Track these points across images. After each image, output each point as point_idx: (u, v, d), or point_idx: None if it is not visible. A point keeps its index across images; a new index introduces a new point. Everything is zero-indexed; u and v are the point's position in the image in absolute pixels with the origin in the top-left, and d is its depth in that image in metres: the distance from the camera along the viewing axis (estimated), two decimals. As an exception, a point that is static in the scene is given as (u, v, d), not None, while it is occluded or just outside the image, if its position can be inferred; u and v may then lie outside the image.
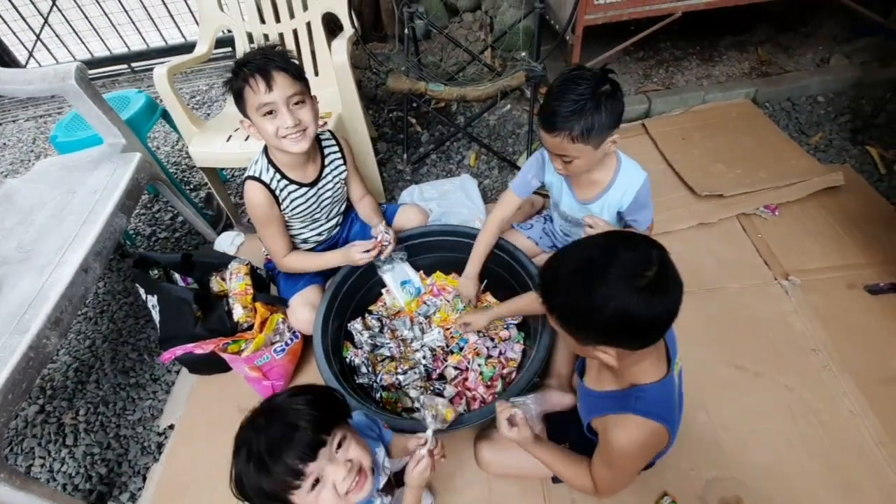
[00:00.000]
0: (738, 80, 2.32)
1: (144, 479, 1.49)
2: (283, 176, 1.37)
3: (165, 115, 2.16)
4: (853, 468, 1.22)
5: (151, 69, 3.29)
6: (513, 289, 1.51)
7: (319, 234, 1.59)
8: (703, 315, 1.53)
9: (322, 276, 1.59)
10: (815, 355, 1.43)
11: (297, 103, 1.24)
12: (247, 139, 1.81)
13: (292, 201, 1.42)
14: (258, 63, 1.19)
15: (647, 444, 0.85)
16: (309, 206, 1.47)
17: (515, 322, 1.55)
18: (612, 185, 1.30)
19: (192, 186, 2.46)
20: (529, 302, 1.32)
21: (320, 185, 1.46)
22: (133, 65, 3.40)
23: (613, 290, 0.69)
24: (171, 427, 1.59)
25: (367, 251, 1.43)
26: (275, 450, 0.74)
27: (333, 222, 1.61)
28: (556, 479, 1.22)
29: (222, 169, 2.45)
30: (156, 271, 1.54)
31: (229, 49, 3.21)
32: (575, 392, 1.31)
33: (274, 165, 1.37)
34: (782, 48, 2.47)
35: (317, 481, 0.76)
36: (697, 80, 2.35)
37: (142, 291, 1.54)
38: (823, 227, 1.74)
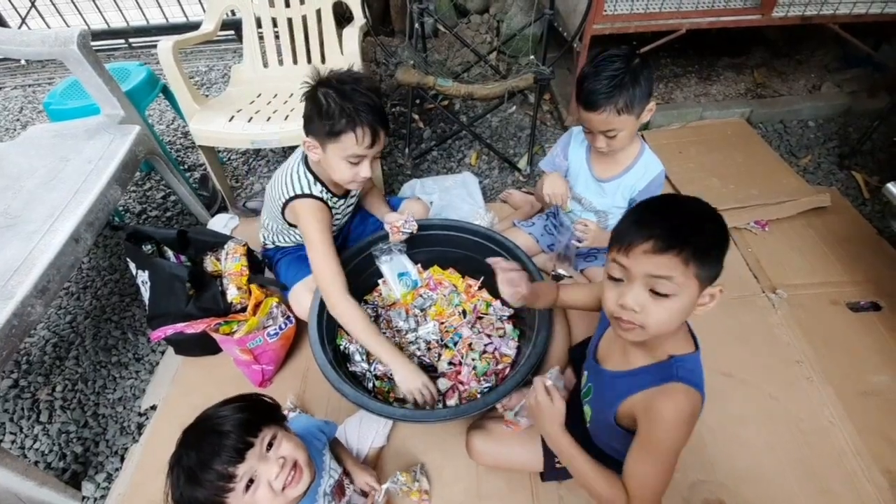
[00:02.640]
0: (734, 99, 2.39)
1: (122, 459, 1.45)
2: (328, 189, 1.37)
3: (165, 92, 2.13)
4: (830, 475, 1.26)
5: (150, 46, 3.29)
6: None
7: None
8: (693, 322, 1.56)
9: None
10: (798, 367, 1.47)
11: (376, 157, 1.28)
12: (249, 120, 1.79)
13: (336, 213, 1.42)
14: (370, 117, 1.17)
15: (693, 415, 0.81)
16: (343, 214, 1.48)
17: (508, 315, 1.56)
18: (631, 168, 1.36)
19: (186, 167, 2.41)
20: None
21: (350, 195, 1.48)
22: (131, 40, 3.34)
23: (714, 212, 0.76)
24: (153, 408, 1.55)
25: (429, 393, 1.26)
26: (203, 460, 0.75)
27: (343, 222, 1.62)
28: (544, 477, 1.23)
29: (220, 151, 2.42)
30: (149, 246, 1.51)
31: (231, 32, 3.19)
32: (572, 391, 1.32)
33: (319, 180, 1.35)
34: (777, 72, 2.56)
35: (251, 482, 0.77)
36: (695, 97, 2.41)
37: (132, 266, 1.50)
38: (810, 244, 1.80)
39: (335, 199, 1.40)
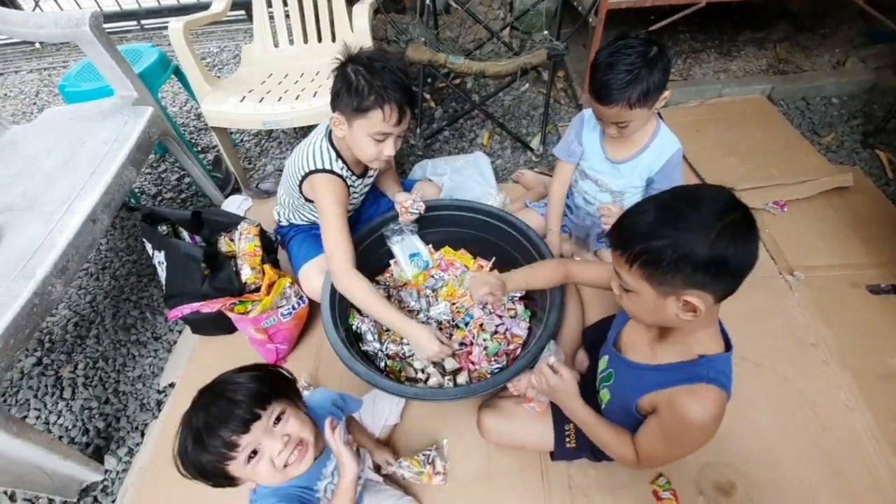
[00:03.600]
0: (755, 75, 2.32)
1: (143, 435, 1.50)
2: (348, 167, 1.37)
3: (177, 74, 2.13)
4: (845, 460, 1.25)
5: (161, 28, 3.28)
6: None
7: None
8: None
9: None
10: (814, 349, 1.45)
11: (400, 136, 1.28)
12: (261, 101, 1.79)
13: (353, 192, 1.42)
14: (398, 95, 1.17)
15: (719, 417, 0.81)
16: (360, 193, 1.48)
17: (520, 295, 1.55)
18: (646, 148, 1.33)
19: (199, 149, 2.43)
20: (549, 273, 1.25)
21: (368, 172, 1.47)
22: (143, 22, 3.33)
23: (708, 223, 0.69)
24: (172, 385, 1.59)
25: (447, 349, 1.25)
26: (211, 425, 0.75)
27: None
28: (554, 456, 1.24)
29: (232, 133, 2.42)
30: (164, 227, 1.53)
31: (242, 12, 3.16)
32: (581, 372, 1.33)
33: (342, 158, 1.35)
34: (800, 47, 2.47)
35: (255, 453, 0.78)
36: (715, 73, 2.34)
37: (149, 247, 1.53)
38: (830, 225, 1.75)
39: (354, 178, 1.40)
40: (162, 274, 1.52)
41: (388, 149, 1.25)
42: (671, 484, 1.22)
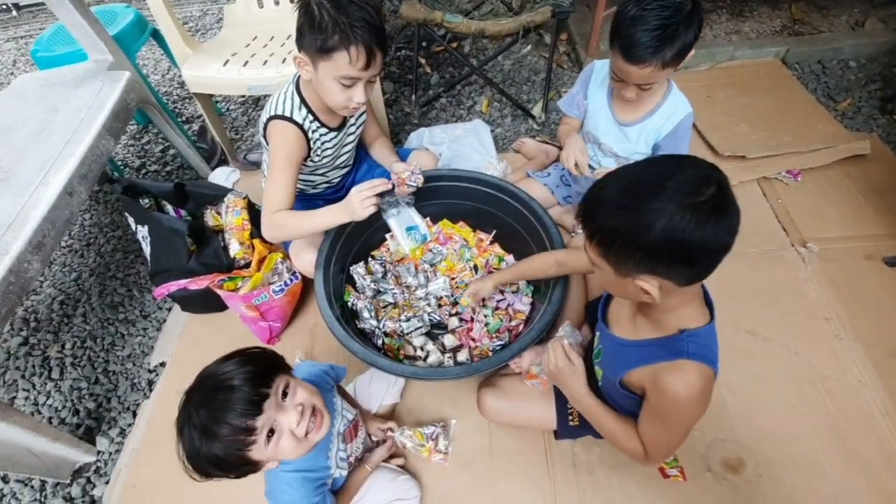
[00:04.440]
0: (769, 37, 2.20)
1: (135, 415, 1.45)
2: (315, 118, 1.26)
3: (156, 37, 2.00)
4: (856, 436, 1.22)
5: (139, -11, 3.08)
6: (524, 240, 1.44)
7: (329, 182, 1.50)
8: (715, 277, 1.45)
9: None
10: (827, 324, 1.40)
11: (371, 81, 1.17)
12: (245, 65, 1.67)
13: (322, 144, 1.32)
14: (367, 35, 1.05)
15: (706, 393, 0.78)
16: (334, 152, 1.38)
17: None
18: (656, 111, 1.25)
19: (184, 118, 2.31)
20: (540, 264, 1.22)
21: (345, 130, 1.37)
22: (119, -17, 3.14)
23: (666, 206, 0.62)
24: (163, 364, 1.54)
25: (369, 195, 1.19)
26: (217, 416, 0.72)
27: (347, 170, 1.53)
28: (557, 435, 1.20)
29: (217, 101, 2.31)
30: (146, 200, 1.45)
31: (225, -28, 2.98)
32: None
33: (307, 106, 1.24)
34: (817, 7, 2.34)
35: (271, 433, 0.76)
36: (726, 35, 2.22)
37: (131, 221, 1.45)
38: (845, 195, 1.68)
39: (323, 131, 1.29)
40: (146, 249, 1.45)
41: (358, 95, 1.14)
42: (678, 461, 1.19)
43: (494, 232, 1.57)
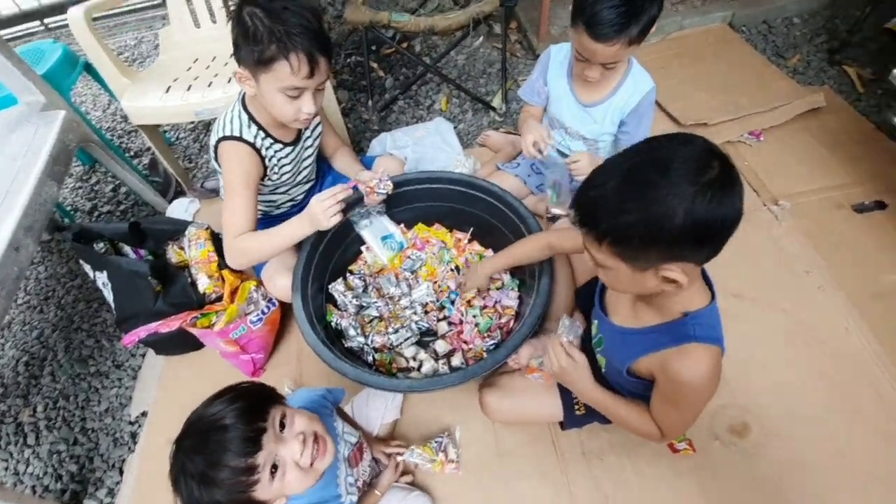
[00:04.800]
0: (714, 3, 2.22)
1: (121, 472, 1.37)
2: (267, 134, 1.20)
3: (89, 71, 1.89)
4: (852, 383, 1.23)
5: (67, 24, 2.93)
6: (502, 234, 1.42)
7: (293, 200, 1.44)
8: None
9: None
10: (808, 277, 1.42)
11: (319, 89, 1.11)
12: (189, 89, 1.59)
13: (279, 161, 1.26)
14: (306, 42, 0.99)
15: (716, 373, 0.77)
16: (293, 168, 1.31)
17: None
18: (619, 88, 1.24)
19: (132, 153, 2.20)
20: (532, 249, 1.20)
21: (301, 143, 1.30)
22: (46, 21, 2.98)
23: (680, 190, 0.59)
24: (144, 414, 1.45)
25: (332, 203, 1.12)
26: (214, 459, 0.68)
27: (310, 185, 1.47)
28: (564, 426, 1.18)
29: (165, 130, 2.20)
30: (101, 245, 1.36)
31: (157, -5, 2.86)
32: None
33: (256, 122, 1.18)
34: (754, -32, 2.37)
35: (275, 468, 0.72)
36: (673, 5, 2.24)
37: (88, 269, 1.36)
38: (808, 149, 1.71)
39: (277, 147, 1.22)
40: (109, 296, 1.36)
41: (307, 106, 1.08)
42: (685, 434, 1.18)
43: (472, 230, 1.54)
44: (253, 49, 1.00)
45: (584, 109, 1.29)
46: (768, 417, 1.20)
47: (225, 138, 1.16)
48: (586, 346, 1.18)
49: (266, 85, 1.05)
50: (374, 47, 2.34)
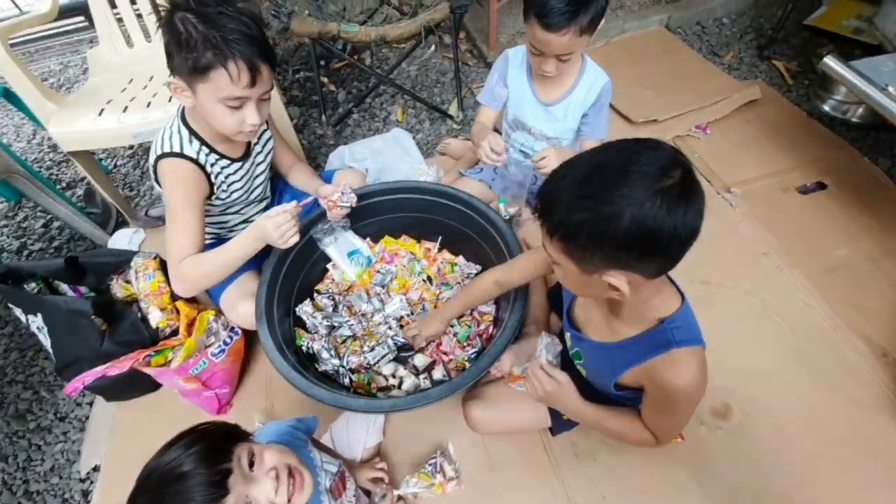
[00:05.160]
0: (650, 7, 2.34)
1: (72, 537, 1.22)
2: (212, 150, 1.11)
3: (8, 97, 1.73)
4: (818, 355, 1.29)
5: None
6: (471, 240, 1.39)
7: (247, 219, 1.36)
8: None
9: (256, 260, 1.37)
10: (766, 258, 1.48)
11: (264, 99, 1.04)
12: (125, 111, 1.48)
13: (227, 178, 1.17)
14: (245, 48, 0.92)
15: (704, 372, 0.76)
16: (244, 185, 1.23)
17: (476, 271, 1.44)
18: (577, 85, 1.26)
19: (64, 185, 2.02)
20: (481, 291, 1.16)
21: (251, 159, 1.23)
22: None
23: (633, 193, 0.57)
24: (96, 469, 1.31)
25: (285, 220, 1.05)
26: None
27: (265, 203, 1.39)
28: (553, 431, 1.15)
29: (100, 158, 2.05)
30: (33, 284, 1.22)
31: (81, 18, 2.69)
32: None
33: (198, 137, 1.09)
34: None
35: None
36: (612, 10, 2.33)
37: (19, 312, 1.21)
38: (750, 139, 1.81)
39: (224, 163, 1.15)
40: (46, 342, 1.22)
41: (251, 116, 1.01)
42: (674, 427, 1.18)
43: (440, 238, 1.50)
44: (186, 57, 0.92)
45: (545, 108, 1.30)
46: (747, 397, 1.23)
47: (164, 156, 1.07)
48: (563, 355, 1.17)
49: (204, 95, 0.97)
50: (322, 62, 2.28)
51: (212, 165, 1.12)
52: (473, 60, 2.29)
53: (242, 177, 1.22)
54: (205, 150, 1.10)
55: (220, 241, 1.33)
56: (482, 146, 1.23)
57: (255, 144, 1.24)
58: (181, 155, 1.07)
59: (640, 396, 0.87)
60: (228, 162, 1.16)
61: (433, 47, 2.29)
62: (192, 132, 1.09)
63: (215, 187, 1.15)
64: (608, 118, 1.33)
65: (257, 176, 1.28)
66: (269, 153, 1.29)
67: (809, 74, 2.03)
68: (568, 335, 0.99)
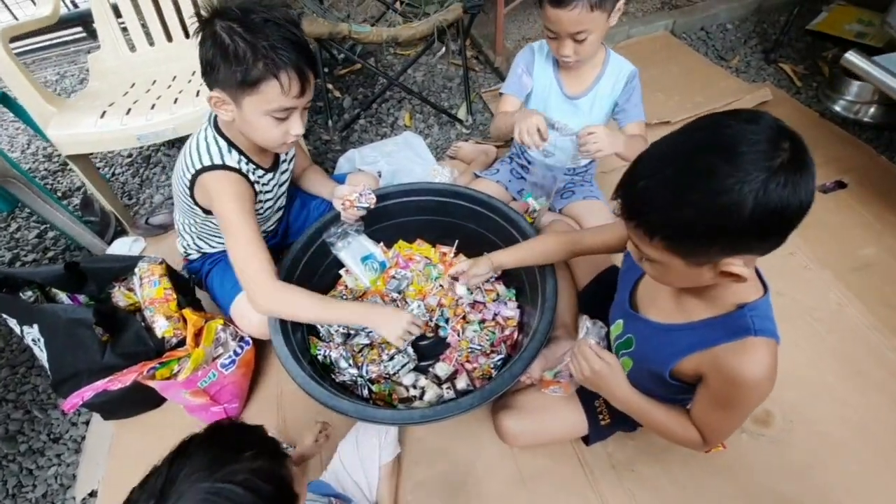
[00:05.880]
0: (655, 13, 2.34)
1: (66, 568, 1.12)
2: (249, 159, 1.07)
3: (6, 103, 1.66)
4: (856, 355, 1.24)
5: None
6: (489, 242, 1.34)
7: (266, 230, 1.31)
8: None
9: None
10: (793, 258, 1.44)
11: (306, 107, 1.02)
12: (128, 113, 1.42)
13: (262, 187, 1.13)
14: (294, 56, 0.89)
15: (775, 370, 0.70)
16: (273, 194, 1.20)
17: (496, 276, 1.38)
18: (602, 76, 1.24)
19: (60, 194, 1.95)
20: (547, 248, 1.10)
21: (280, 167, 1.19)
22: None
23: (751, 176, 0.52)
24: (93, 494, 1.21)
25: (414, 325, 1.07)
26: None
27: (281, 213, 1.35)
28: (589, 440, 1.09)
29: (98, 166, 1.98)
30: (30, 293, 1.14)
31: (79, 29, 2.65)
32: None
33: (236, 148, 1.05)
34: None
35: None
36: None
37: (13, 324, 1.13)
38: (765, 139, 1.79)
39: (261, 173, 1.11)
40: (42, 355, 1.13)
41: (296, 127, 0.98)
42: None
43: (457, 242, 1.45)
44: (235, 70, 0.88)
45: (571, 102, 1.26)
46: (788, 403, 1.17)
47: (206, 169, 1.01)
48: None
49: (251, 108, 0.93)
50: (326, 69, 2.25)
51: (251, 174, 1.08)
52: (480, 66, 2.27)
53: (273, 186, 1.18)
54: (243, 159, 1.06)
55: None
56: (526, 123, 1.11)
57: (283, 153, 1.20)
58: (225, 167, 1.02)
59: (689, 393, 0.81)
60: (263, 172, 1.12)
61: (442, 51, 2.27)
62: (230, 142, 1.04)
63: (257, 196, 1.11)
64: (642, 102, 1.29)
65: (282, 185, 1.24)
66: (291, 160, 1.25)
67: (817, 77, 2.03)
68: (619, 322, 0.93)
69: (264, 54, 0.87)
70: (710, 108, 1.87)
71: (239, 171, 1.04)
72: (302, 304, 1.04)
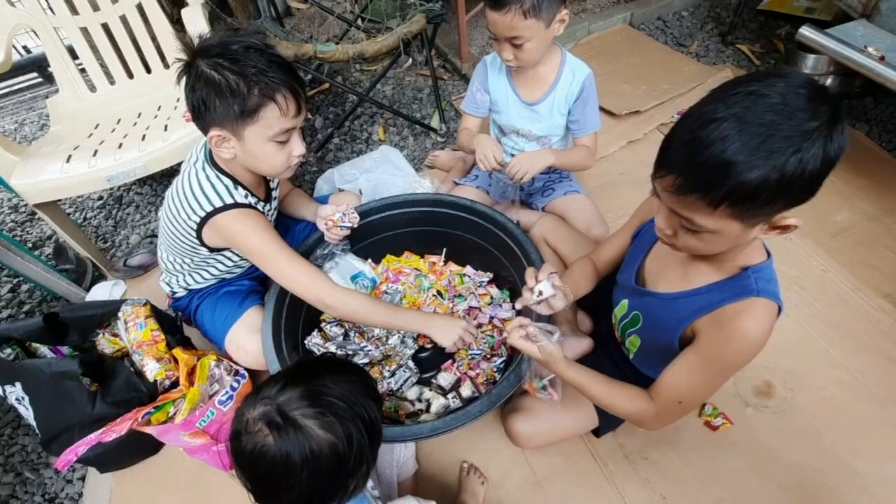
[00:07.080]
0: (612, 7, 2.39)
1: None
2: (252, 193, 1.07)
3: (-38, 156, 1.60)
4: (845, 319, 1.28)
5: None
6: (478, 247, 1.34)
7: None
8: None
9: (259, 294, 1.28)
10: (773, 230, 1.48)
11: (302, 126, 1.01)
12: (95, 155, 1.38)
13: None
14: (283, 76, 0.89)
15: (769, 333, 0.71)
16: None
17: (488, 279, 1.38)
18: (558, 82, 1.26)
19: (31, 245, 1.88)
20: (581, 276, 1.06)
21: (272, 195, 1.19)
22: None
23: (806, 127, 0.54)
24: (96, 552, 1.16)
25: (470, 333, 1.09)
26: None
27: None
28: (599, 432, 1.08)
29: (67, 213, 1.92)
30: (9, 350, 1.09)
31: (34, 75, 2.58)
32: (589, 334, 1.19)
33: (239, 183, 1.04)
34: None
35: None
36: (576, 14, 2.38)
37: (-6, 385, 1.08)
38: (732, 118, 1.83)
39: (262, 205, 1.11)
40: (27, 413, 1.08)
41: (298, 147, 0.99)
42: (718, 409, 1.13)
43: (445, 251, 1.44)
44: (233, 103, 0.87)
45: (530, 108, 1.29)
46: (786, 371, 1.19)
47: (218, 211, 0.99)
48: (604, 341, 1.11)
49: (253, 137, 0.92)
50: (294, 91, 2.23)
51: (257, 206, 1.07)
52: (448, 74, 2.28)
53: (270, 216, 1.18)
54: (249, 194, 1.06)
55: (221, 281, 1.24)
56: (483, 153, 1.23)
57: (272, 181, 1.19)
58: (237, 205, 1.01)
59: None
60: (264, 203, 1.12)
61: (409, 63, 2.28)
62: (234, 179, 1.03)
63: None
64: (597, 110, 1.31)
65: (273, 211, 1.22)
66: (277, 187, 1.23)
67: (773, 54, 2.10)
68: (623, 303, 0.94)
69: (256, 81, 0.87)
70: (677, 93, 1.91)
71: (250, 205, 1.03)
72: (366, 311, 1.07)
